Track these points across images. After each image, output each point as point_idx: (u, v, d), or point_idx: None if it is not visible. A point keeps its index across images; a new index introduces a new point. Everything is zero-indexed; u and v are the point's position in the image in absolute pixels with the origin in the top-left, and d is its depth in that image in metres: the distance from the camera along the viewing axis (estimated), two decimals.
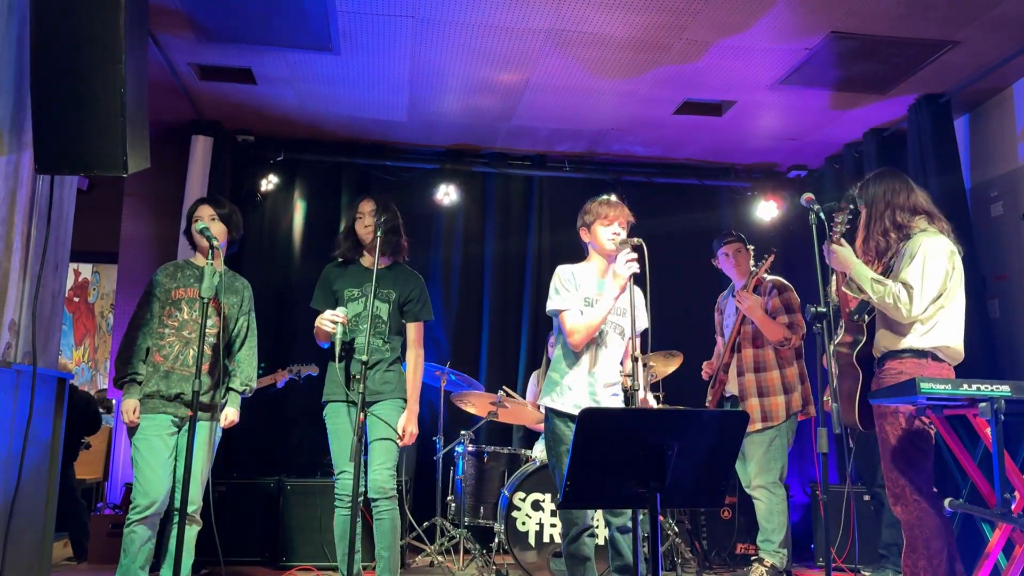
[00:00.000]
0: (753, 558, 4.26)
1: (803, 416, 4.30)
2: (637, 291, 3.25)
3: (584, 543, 3.17)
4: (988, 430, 2.70)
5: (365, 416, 3.31)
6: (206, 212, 3.50)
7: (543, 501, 4.38)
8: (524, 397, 5.59)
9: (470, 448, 4.85)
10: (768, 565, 4.13)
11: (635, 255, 3.12)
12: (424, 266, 5.80)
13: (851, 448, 4.91)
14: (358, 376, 3.24)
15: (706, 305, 4.92)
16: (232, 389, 3.48)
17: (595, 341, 3.25)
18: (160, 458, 3.26)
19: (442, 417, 5.12)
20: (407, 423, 3.49)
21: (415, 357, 3.60)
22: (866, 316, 3.44)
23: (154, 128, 3.35)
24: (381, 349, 3.51)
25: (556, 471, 3.23)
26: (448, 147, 6.03)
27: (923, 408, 2.98)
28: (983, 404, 2.68)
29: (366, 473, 3.41)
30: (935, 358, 3.16)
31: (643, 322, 3.22)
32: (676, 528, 4.62)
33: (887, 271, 3.29)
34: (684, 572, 4.52)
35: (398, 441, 3.45)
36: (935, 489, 3.13)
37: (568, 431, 3.18)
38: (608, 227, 3.28)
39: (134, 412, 3.29)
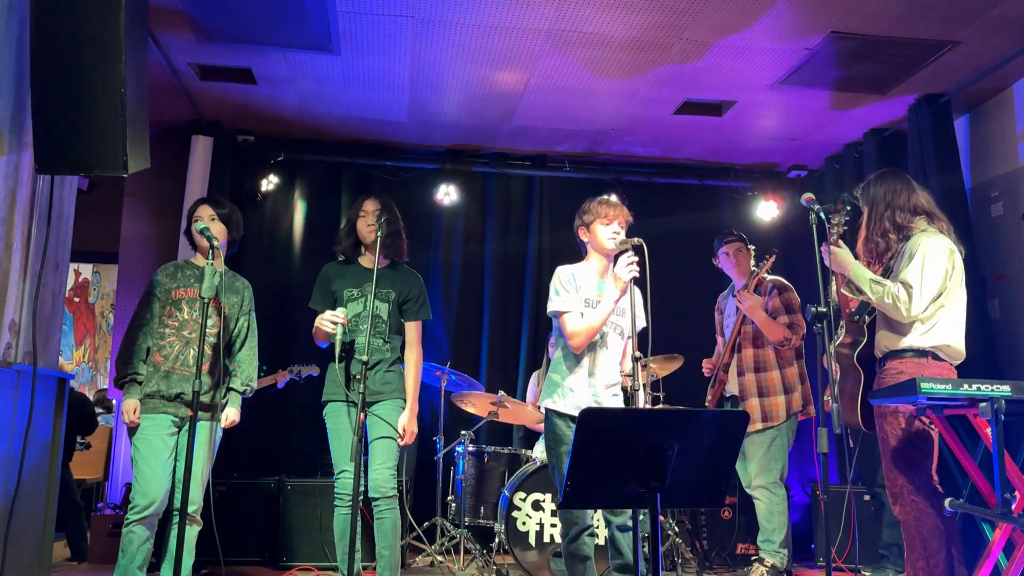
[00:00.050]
0: (753, 558, 4.26)
1: (803, 416, 4.30)
2: (636, 291, 3.25)
3: (584, 543, 3.17)
4: (988, 430, 2.70)
5: (365, 416, 3.31)
6: (206, 212, 3.50)
7: (543, 501, 4.38)
8: (524, 397, 5.59)
9: (470, 448, 4.85)
10: (768, 565, 4.13)
11: (636, 259, 3.13)
12: (424, 266, 5.81)
13: (851, 448, 4.91)
14: (358, 376, 3.24)
15: (706, 305, 4.92)
16: (233, 389, 3.48)
17: (596, 343, 3.25)
18: (160, 458, 3.26)
19: (442, 417, 5.12)
20: (407, 422, 3.49)
21: (414, 356, 3.60)
22: (866, 317, 3.44)
23: (154, 128, 3.35)
24: (381, 349, 3.51)
25: (556, 471, 3.23)
26: (448, 147, 6.03)
27: (923, 408, 2.98)
28: (983, 404, 2.68)
29: (366, 473, 3.41)
30: (936, 357, 3.16)
31: (641, 322, 3.22)
32: (676, 528, 4.62)
33: (887, 272, 3.29)
34: (684, 572, 4.52)
35: (399, 440, 3.45)
36: (940, 489, 3.13)
37: (569, 431, 3.18)
38: (608, 226, 3.28)
39: (134, 412, 3.29)
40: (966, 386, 2.71)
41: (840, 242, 3.33)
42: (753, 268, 4.39)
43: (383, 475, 3.39)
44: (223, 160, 5.53)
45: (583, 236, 3.38)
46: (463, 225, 6.14)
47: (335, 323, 3.36)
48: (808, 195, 3.29)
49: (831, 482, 5.48)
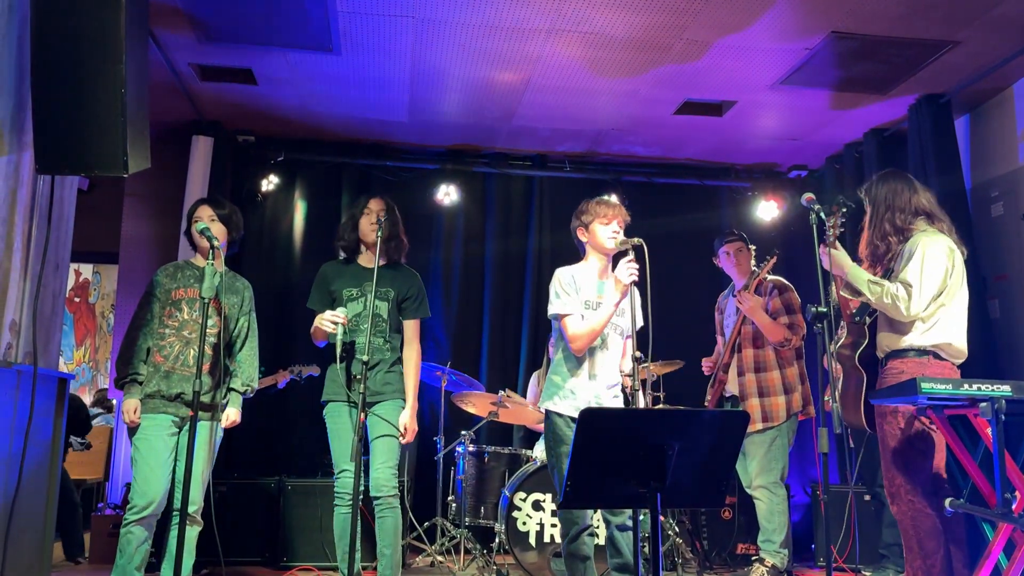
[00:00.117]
0: (754, 558, 4.26)
1: (803, 416, 4.30)
2: (635, 290, 3.25)
3: (584, 542, 3.17)
4: (989, 430, 2.70)
5: (366, 416, 3.31)
6: (206, 213, 3.50)
7: (544, 501, 4.38)
8: (524, 397, 5.59)
9: (471, 448, 4.84)
10: (769, 565, 4.13)
11: (636, 266, 3.13)
12: (424, 266, 5.81)
13: (852, 448, 4.91)
14: (359, 376, 3.24)
15: (706, 305, 4.92)
16: (233, 389, 3.49)
17: (596, 344, 3.25)
18: (160, 458, 3.26)
19: (443, 417, 5.12)
20: (408, 420, 3.49)
21: (413, 354, 3.60)
22: (867, 318, 3.44)
23: (154, 128, 3.35)
24: (382, 348, 3.52)
25: (556, 471, 3.23)
26: (448, 147, 6.03)
27: (924, 408, 2.97)
28: (984, 404, 2.68)
29: (367, 473, 3.41)
30: (937, 356, 3.16)
31: (640, 322, 3.21)
32: (676, 528, 4.61)
33: (888, 274, 3.29)
34: (685, 572, 4.52)
35: (400, 439, 3.46)
36: (946, 487, 3.13)
37: (569, 431, 3.18)
38: (607, 226, 3.28)
39: (135, 412, 3.29)
40: (966, 386, 2.71)
41: (837, 244, 3.33)
42: (754, 268, 4.39)
43: (384, 474, 3.39)
44: (223, 160, 5.53)
45: (581, 236, 3.38)
46: (463, 225, 6.14)
47: (336, 323, 3.36)
48: (808, 195, 3.29)
49: (831, 482, 5.48)
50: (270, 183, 5.86)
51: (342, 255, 3.68)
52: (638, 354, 2.99)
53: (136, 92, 2.93)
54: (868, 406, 3.33)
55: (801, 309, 4.25)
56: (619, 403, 3.32)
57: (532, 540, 4.33)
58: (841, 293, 3.45)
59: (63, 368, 6.64)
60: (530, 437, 5.64)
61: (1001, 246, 4.74)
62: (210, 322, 3.30)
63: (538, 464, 4.46)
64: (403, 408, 3.51)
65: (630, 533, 3.14)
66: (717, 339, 4.67)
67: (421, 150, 6.03)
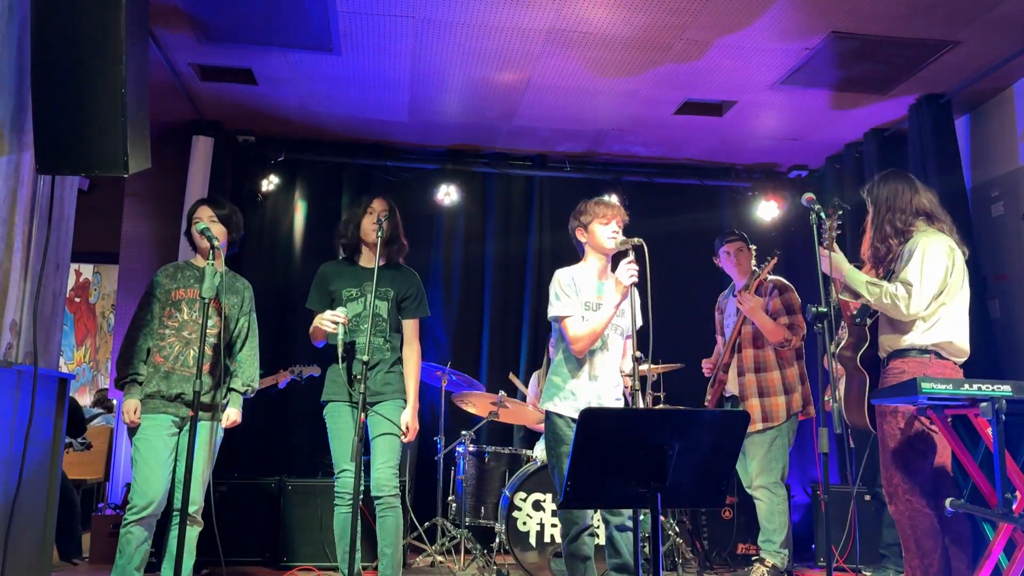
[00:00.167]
0: (754, 558, 4.26)
1: (803, 416, 4.30)
2: (634, 290, 3.25)
3: (584, 543, 3.17)
4: (989, 430, 2.70)
5: (366, 416, 3.31)
6: (206, 213, 3.50)
7: (544, 501, 4.38)
8: (525, 398, 5.59)
9: (471, 448, 4.85)
10: (769, 565, 4.13)
11: (636, 268, 3.13)
12: (425, 266, 5.81)
13: (852, 448, 4.90)
14: (359, 376, 3.24)
15: (706, 305, 4.91)
16: (234, 390, 3.48)
17: (596, 346, 3.25)
18: (160, 459, 3.26)
19: (443, 417, 5.12)
20: (409, 419, 3.49)
21: (413, 353, 3.60)
22: (868, 320, 3.44)
23: (155, 128, 3.35)
24: (382, 348, 3.52)
25: (556, 471, 3.23)
26: (449, 147, 6.03)
27: (924, 408, 2.97)
28: (984, 404, 2.68)
29: (367, 473, 3.40)
30: (939, 355, 3.16)
31: (639, 322, 3.21)
32: (677, 528, 4.61)
33: (889, 275, 3.29)
34: (685, 572, 4.51)
35: (401, 437, 3.46)
36: (946, 486, 3.13)
37: (569, 431, 3.18)
38: (607, 225, 3.28)
39: (135, 412, 3.29)
40: (967, 386, 2.71)
41: (835, 247, 3.33)
42: (755, 269, 4.38)
43: (386, 474, 3.39)
44: (223, 160, 5.53)
45: (580, 237, 3.38)
46: (463, 225, 6.14)
47: (336, 323, 3.36)
48: (809, 195, 3.29)
49: (832, 482, 5.48)
50: (270, 183, 5.86)
51: (341, 254, 3.68)
52: (638, 354, 2.99)
53: (136, 92, 2.93)
54: (872, 407, 3.33)
55: (801, 309, 4.26)
56: (620, 404, 3.32)
57: (532, 540, 4.33)
58: (841, 296, 3.45)
59: (63, 368, 6.65)
60: (530, 437, 5.64)
61: (1001, 246, 4.74)
62: (210, 322, 3.30)
63: (538, 464, 4.46)
64: (404, 408, 3.51)
65: (629, 533, 3.14)
66: (717, 339, 4.67)
67: (421, 150, 6.03)
